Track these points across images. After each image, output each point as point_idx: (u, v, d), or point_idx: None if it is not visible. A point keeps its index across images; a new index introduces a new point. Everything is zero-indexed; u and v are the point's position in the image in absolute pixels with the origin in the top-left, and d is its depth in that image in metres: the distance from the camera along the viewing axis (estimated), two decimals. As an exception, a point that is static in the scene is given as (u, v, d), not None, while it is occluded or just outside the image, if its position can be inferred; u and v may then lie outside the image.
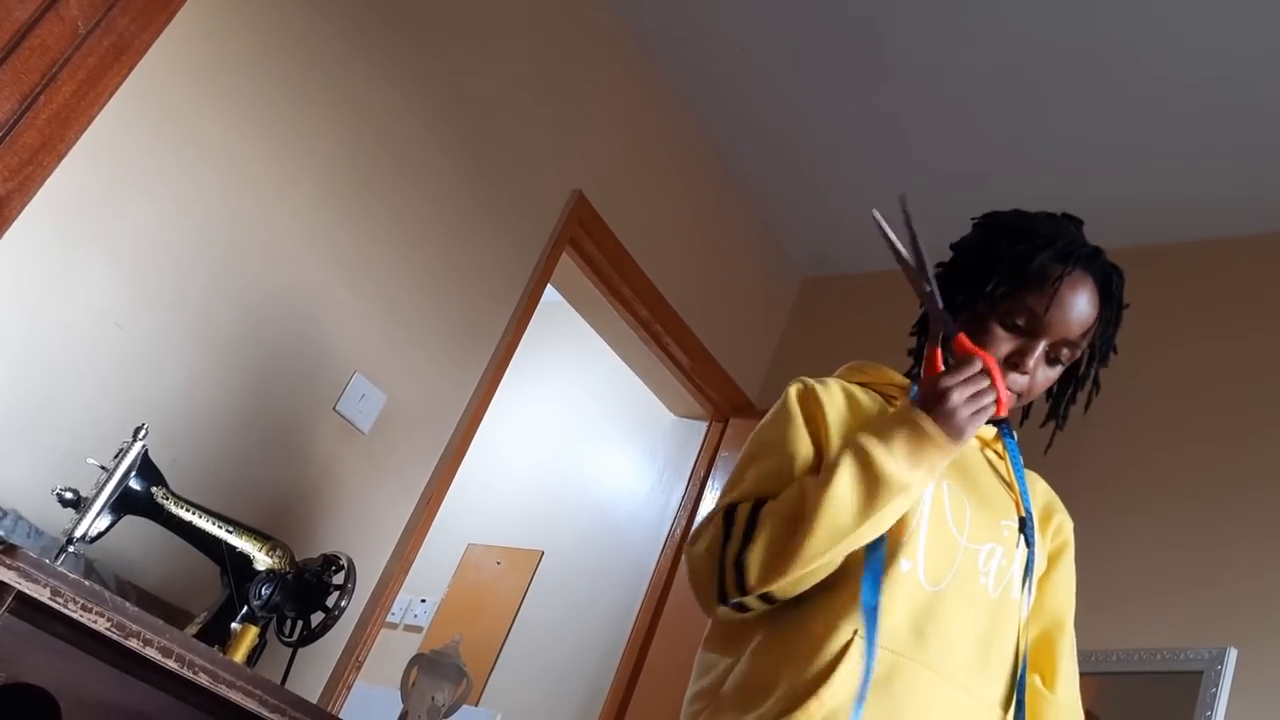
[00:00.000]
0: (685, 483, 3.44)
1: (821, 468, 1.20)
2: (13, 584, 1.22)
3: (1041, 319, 1.25)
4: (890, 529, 1.17)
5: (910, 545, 1.18)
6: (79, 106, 1.66)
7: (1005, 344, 1.27)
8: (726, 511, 1.20)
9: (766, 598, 1.15)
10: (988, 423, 1.30)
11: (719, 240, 3.44)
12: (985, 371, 1.13)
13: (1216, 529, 2.41)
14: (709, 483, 3.38)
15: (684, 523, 3.33)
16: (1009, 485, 1.32)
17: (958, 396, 1.12)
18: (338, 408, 2.28)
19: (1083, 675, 2.30)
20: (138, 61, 1.76)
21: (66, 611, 1.27)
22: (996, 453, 1.36)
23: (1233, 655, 2.15)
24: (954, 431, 1.11)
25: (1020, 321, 1.26)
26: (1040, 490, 1.40)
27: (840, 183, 3.26)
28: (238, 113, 2.09)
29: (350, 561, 1.83)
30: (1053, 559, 1.35)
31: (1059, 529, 1.37)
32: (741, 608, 1.17)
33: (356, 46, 2.32)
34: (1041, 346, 1.26)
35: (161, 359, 1.97)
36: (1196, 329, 2.73)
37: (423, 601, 3.66)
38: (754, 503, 1.19)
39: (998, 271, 1.28)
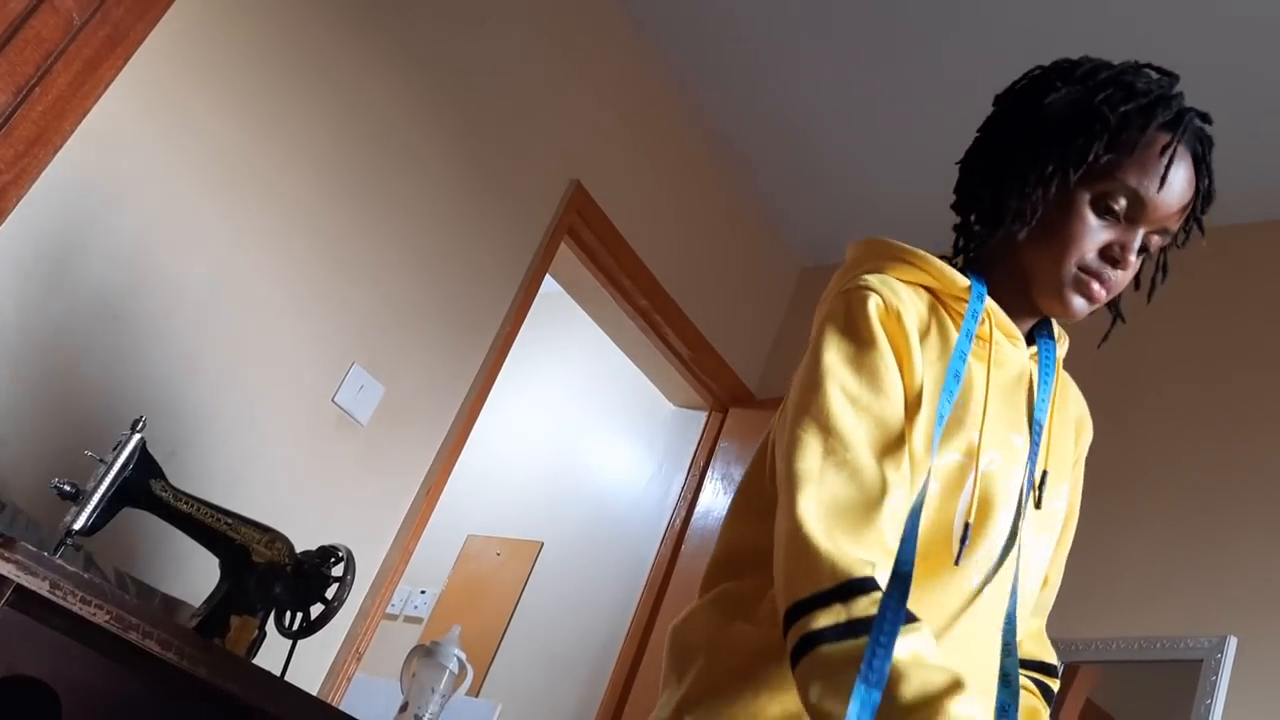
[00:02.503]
0: (685, 473, 3.44)
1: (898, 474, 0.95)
2: (12, 577, 1.22)
3: (1147, 204, 1.03)
4: (975, 540, 0.99)
5: (986, 558, 1.01)
6: (74, 98, 1.65)
7: (1101, 234, 1.04)
8: (862, 581, 0.87)
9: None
10: (1028, 338, 1.13)
11: (718, 230, 3.44)
12: None
13: (1217, 517, 2.41)
14: (709, 473, 3.38)
15: (684, 513, 3.33)
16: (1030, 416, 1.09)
17: None
18: (336, 399, 2.28)
19: (1084, 663, 2.32)
20: (133, 52, 1.75)
21: (66, 604, 1.26)
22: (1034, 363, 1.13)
23: (1233, 644, 2.16)
24: None
25: (1119, 205, 1.03)
26: (1072, 405, 1.20)
27: (839, 172, 3.26)
28: (234, 102, 2.08)
29: (349, 553, 1.83)
30: (1074, 492, 1.20)
31: (1083, 446, 1.20)
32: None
33: (353, 36, 2.31)
34: (1141, 235, 1.05)
35: (159, 351, 1.97)
36: (1201, 319, 2.72)
37: (422, 593, 3.67)
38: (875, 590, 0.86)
39: (1099, 136, 1.03)
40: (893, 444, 0.96)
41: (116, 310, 1.90)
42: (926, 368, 1.01)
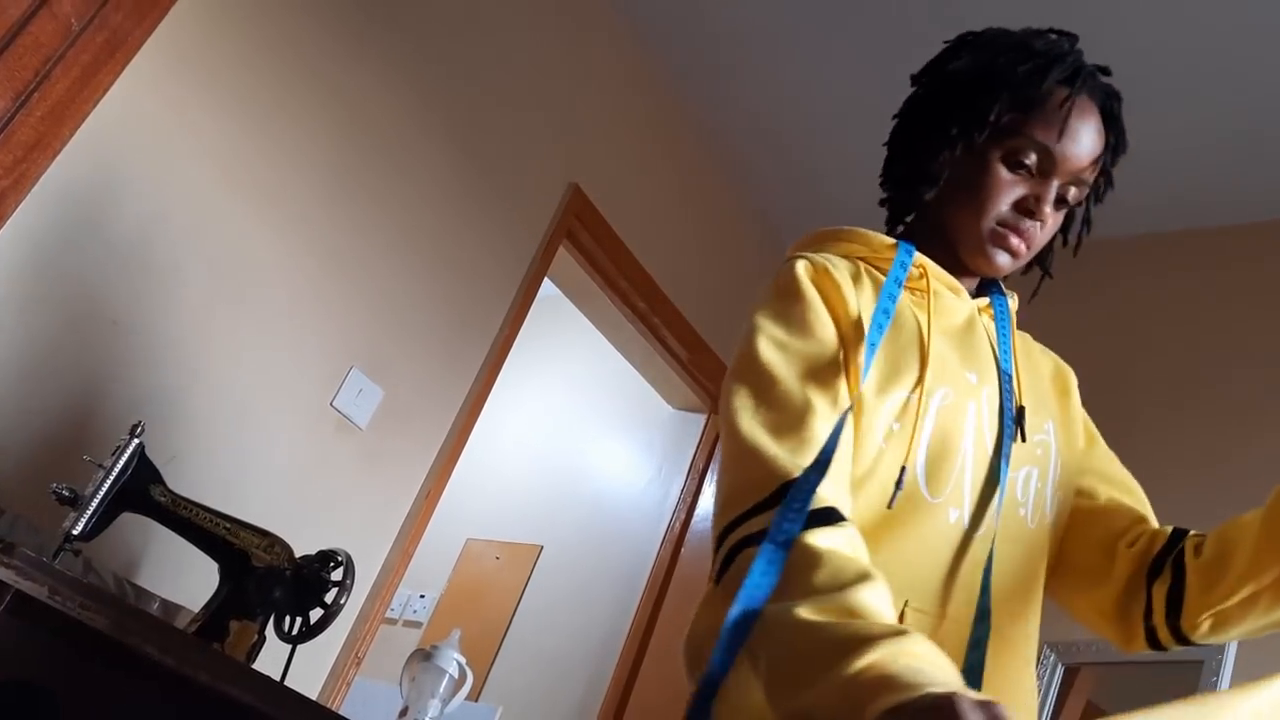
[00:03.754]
0: (684, 475, 3.44)
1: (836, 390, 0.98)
2: (11, 583, 1.21)
3: (1056, 155, 1.07)
4: (937, 471, 0.99)
5: (958, 490, 1.01)
6: (73, 103, 1.66)
7: (1014, 187, 1.08)
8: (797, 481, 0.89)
9: None
10: (976, 291, 1.16)
11: (716, 232, 3.44)
12: None
13: (1216, 516, 2.41)
14: (708, 475, 3.38)
15: (683, 515, 3.33)
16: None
17: None
18: (335, 403, 2.28)
19: (1083, 665, 2.32)
20: (132, 58, 1.75)
21: (65, 610, 1.26)
22: (989, 317, 1.16)
23: (1233, 645, 2.16)
24: None
25: (1029, 159, 1.07)
26: (1039, 358, 1.22)
27: (837, 173, 3.26)
28: (232, 106, 2.08)
29: (349, 557, 1.83)
30: (1086, 425, 1.20)
31: (1074, 394, 1.22)
32: None
33: (351, 39, 2.31)
34: (1055, 186, 1.08)
35: (158, 355, 1.97)
36: (1194, 315, 2.73)
37: (422, 597, 3.67)
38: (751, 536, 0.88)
39: (999, 96, 1.08)
40: (822, 376, 0.99)
41: (115, 315, 1.90)
42: (863, 306, 1.05)
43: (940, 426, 1.02)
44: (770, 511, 0.87)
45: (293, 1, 2.19)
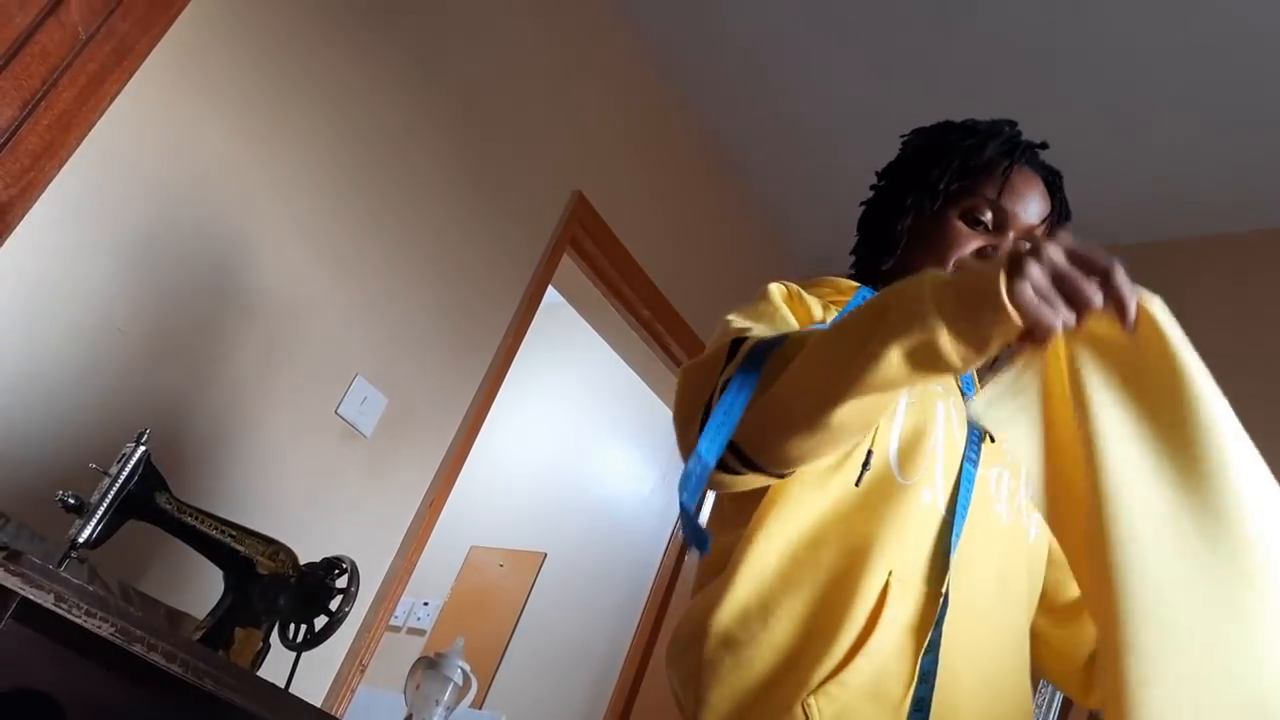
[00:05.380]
0: (688, 483, 3.43)
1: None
2: (16, 590, 1.21)
3: (1008, 210, 1.19)
4: (909, 457, 1.07)
5: (930, 474, 1.07)
6: (80, 111, 1.66)
7: (972, 240, 1.20)
8: (734, 341, 1.00)
9: (749, 463, 0.97)
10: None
11: (721, 239, 3.44)
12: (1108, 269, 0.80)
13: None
14: (711, 483, 3.37)
15: (687, 523, 3.33)
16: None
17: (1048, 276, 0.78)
18: (339, 411, 2.28)
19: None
20: (139, 66, 1.76)
21: (70, 617, 1.26)
22: None
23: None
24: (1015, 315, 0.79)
25: (985, 216, 1.20)
26: None
27: (842, 181, 3.26)
28: (238, 116, 2.09)
29: (353, 564, 1.83)
30: None
31: None
32: (725, 467, 0.97)
33: (357, 49, 2.32)
34: (1011, 240, 1.19)
35: (163, 363, 1.97)
36: (1196, 325, 2.72)
37: (426, 604, 3.67)
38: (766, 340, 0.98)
39: (948, 167, 1.22)
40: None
41: (121, 322, 1.91)
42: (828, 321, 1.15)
43: (911, 420, 1.09)
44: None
45: (299, 10, 2.20)
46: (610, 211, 2.97)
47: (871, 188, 1.35)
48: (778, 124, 3.15)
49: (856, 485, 1.05)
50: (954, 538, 1.05)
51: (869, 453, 1.06)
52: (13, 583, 1.21)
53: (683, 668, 1.06)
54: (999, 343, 0.79)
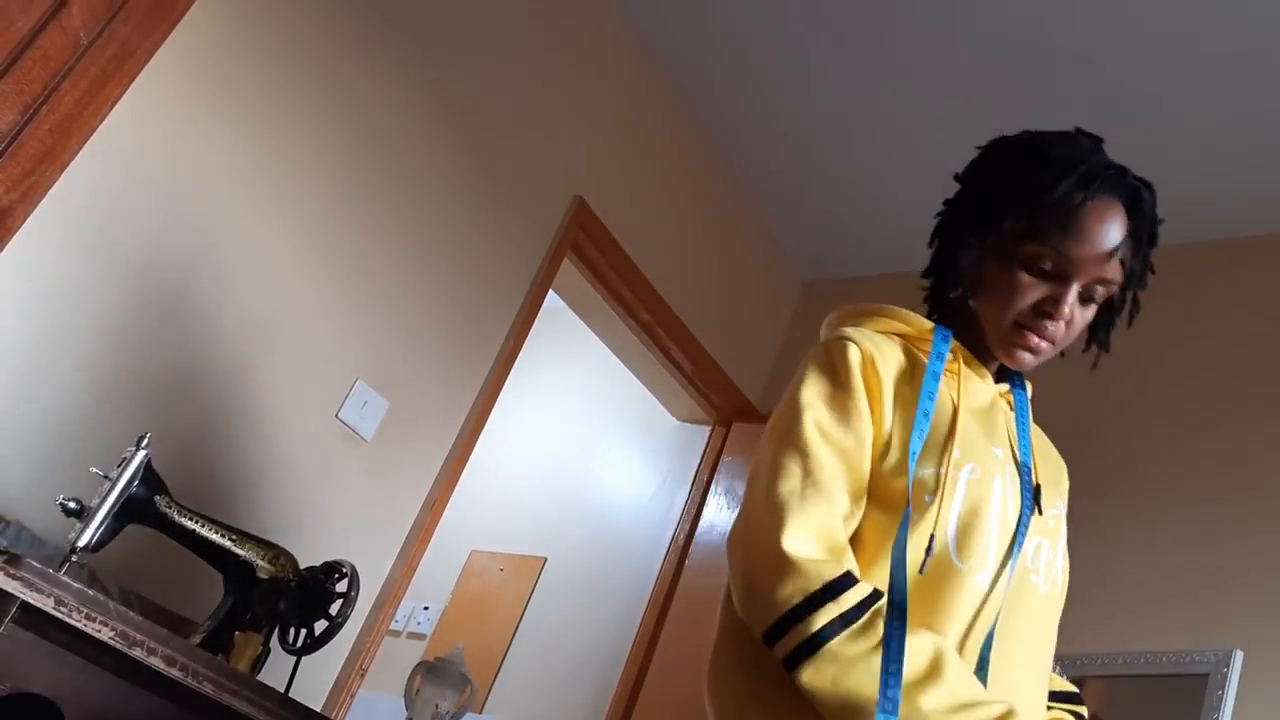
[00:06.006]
0: (688, 487, 3.44)
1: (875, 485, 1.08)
2: (17, 594, 1.21)
3: (1072, 259, 1.11)
4: (966, 540, 1.06)
5: (983, 558, 1.07)
6: (82, 116, 1.66)
7: (1033, 290, 1.13)
8: (843, 578, 0.99)
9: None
10: (998, 377, 1.23)
11: (721, 244, 3.44)
12: None
13: (1222, 530, 2.41)
14: (712, 487, 3.38)
15: (687, 527, 3.33)
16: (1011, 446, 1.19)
17: None
18: (340, 415, 2.28)
19: (1089, 678, 2.31)
20: (140, 70, 1.76)
21: (70, 621, 1.26)
22: (1008, 404, 1.23)
23: (1239, 658, 2.15)
24: None
25: (1048, 265, 1.13)
26: (1050, 448, 1.29)
27: (842, 186, 3.26)
28: (240, 121, 2.09)
29: (353, 569, 1.83)
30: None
31: (1066, 494, 1.28)
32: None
33: (359, 53, 2.32)
34: (1076, 288, 1.13)
35: (164, 367, 1.97)
36: (1204, 328, 2.73)
37: (426, 609, 3.66)
38: (872, 595, 0.99)
39: (1012, 208, 1.14)
40: (854, 475, 1.08)
41: (121, 326, 1.91)
42: (899, 409, 1.12)
43: (970, 498, 1.08)
44: (830, 605, 0.97)
45: (301, 15, 2.21)
46: (611, 216, 2.97)
47: (947, 201, 1.27)
48: (778, 129, 3.15)
49: (921, 573, 1.04)
50: (996, 618, 1.06)
51: (931, 537, 1.05)
52: (13, 586, 1.21)
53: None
54: None
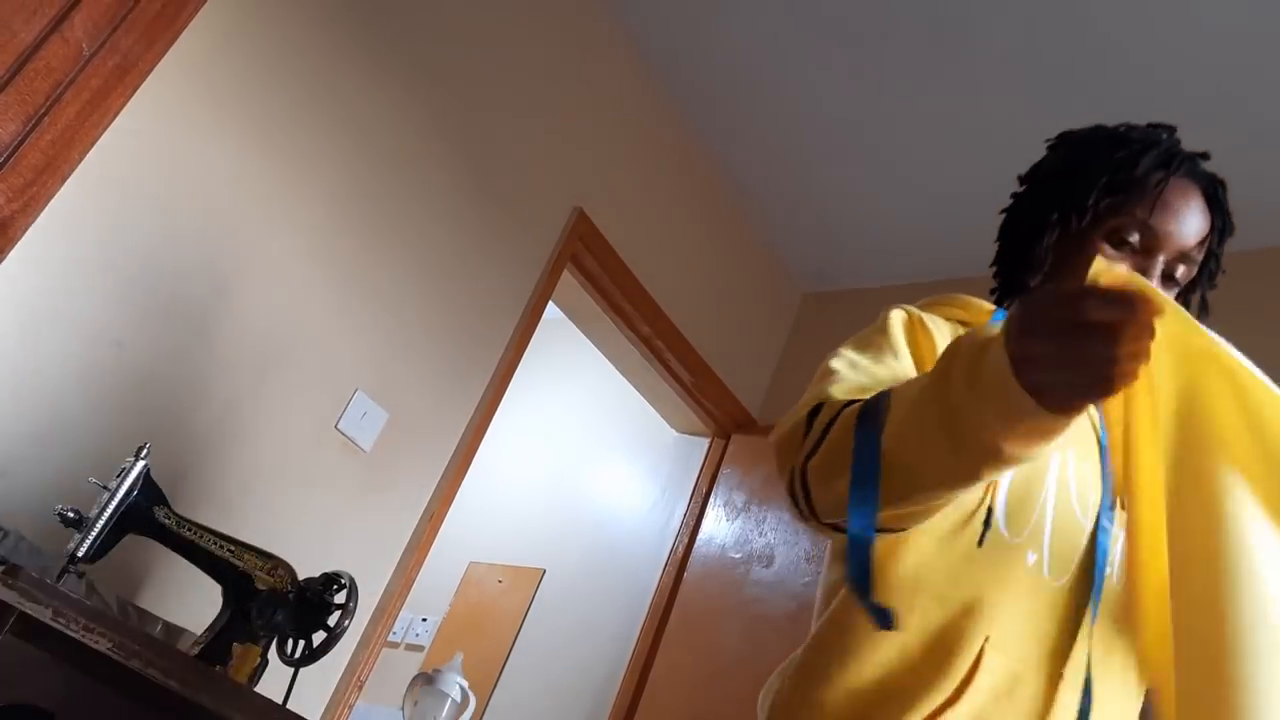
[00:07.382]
0: (687, 499, 3.43)
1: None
2: (14, 605, 1.21)
3: (1158, 231, 1.09)
4: (1017, 511, 1.01)
5: (1036, 534, 1.01)
6: (83, 127, 1.67)
7: (1120, 264, 1.05)
8: (810, 413, 0.92)
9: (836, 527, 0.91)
10: None
11: (720, 256, 3.45)
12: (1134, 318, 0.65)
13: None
14: (711, 499, 3.37)
15: (686, 539, 3.33)
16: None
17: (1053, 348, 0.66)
18: (339, 426, 2.28)
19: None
20: (142, 82, 1.77)
21: (68, 632, 1.26)
22: None
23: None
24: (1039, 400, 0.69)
25: (1133, 237, 1.10)
26: None
27: (841, 199, 3.27)
28: (240, 132, 2.10)
29: (352, 580, 1.82)
30: None
31: None
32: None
33: (360, 66, 2.33)
34: (1161, 262, 1.11)
35: (163, 377, 1.97)
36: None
37: (424, 620, 3.66)
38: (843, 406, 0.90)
39: (1095, 185, 1.12)
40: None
41: (119, 336, 1.91)
42: None
43: (1022, 470, 1.02)
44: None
45: (302, 28, 2.22)
46: (611, 228, 2.98)
47: (1013, 195, 1.25)
48: (778, 141, 3.16)
49: (979, 546, 1.00)
50: (1091, 621, 0.99)
51: (989, 510, 1.00)
52: (11, 597, 1.21)
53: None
54: (1061, 427, 0.69)
